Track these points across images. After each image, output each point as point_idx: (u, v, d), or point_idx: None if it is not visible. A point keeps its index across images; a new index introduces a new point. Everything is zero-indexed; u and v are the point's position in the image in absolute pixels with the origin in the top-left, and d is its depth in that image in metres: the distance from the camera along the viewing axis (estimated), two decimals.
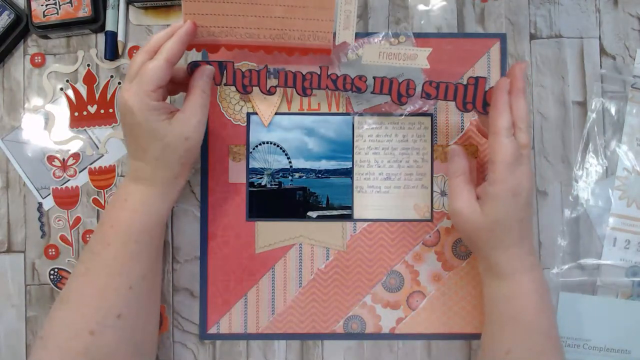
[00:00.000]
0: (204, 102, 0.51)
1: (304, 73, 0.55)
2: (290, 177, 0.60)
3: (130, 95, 0.48)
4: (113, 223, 0.50)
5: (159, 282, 0.55)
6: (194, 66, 0.53)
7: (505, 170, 0.48)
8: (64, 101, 0.60)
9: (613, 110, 0.60)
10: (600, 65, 0.60)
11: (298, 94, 0.56)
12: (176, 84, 0.54)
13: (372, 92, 0.55)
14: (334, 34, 0.56)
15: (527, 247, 0.51)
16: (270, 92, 0.56)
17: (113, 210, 0.51)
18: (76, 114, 0.60)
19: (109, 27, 0.59)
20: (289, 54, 0.55)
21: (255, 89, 0.57)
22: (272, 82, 0.57)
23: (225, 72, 0.55)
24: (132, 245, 0.49)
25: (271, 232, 0.59)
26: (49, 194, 0.59)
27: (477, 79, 0.52)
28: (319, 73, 0.55)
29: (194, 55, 0.59)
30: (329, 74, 0.55)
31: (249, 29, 0.53)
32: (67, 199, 0.59)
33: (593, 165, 0.59)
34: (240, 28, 0.53)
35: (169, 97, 0.57)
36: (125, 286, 0.49)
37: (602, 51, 0.60)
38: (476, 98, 0.52)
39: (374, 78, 0.54)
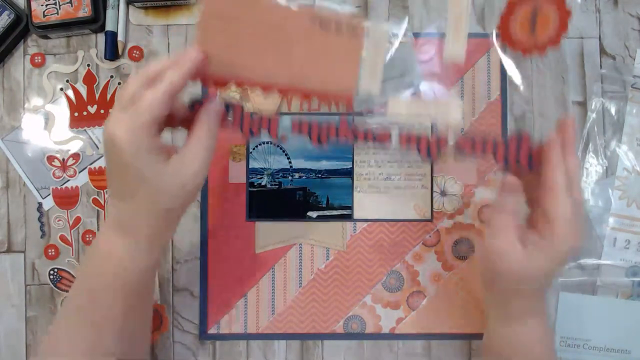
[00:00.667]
0: (209, 145, 0.44)
1: (320, 122, 0.50)
2: (290, 177, 0.60)
3: (120, 130, 0.40)
4: (95, 281, 0.45)
5: (149, 333, 0.52)
6: (194, 102, 0.46)
7: (565, 227, 0.45)
8: (64, 101, 0.60)
9: (613, 110, 0.60)
10: (600, 65, 0.60)
11: (312, 143, 0.50)
12: (174, 119, 0.46)
13: (399, 149, 0.49)
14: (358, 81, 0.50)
15: (545, 300, 0.49)
16: (281, 140, 0.52)
17: (94, 267, 0.45)
18: (76, 114, 0.60)
19: (109, 27, 0.59)
20: (306, 98, 0.48)
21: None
22: (284, 124, 0.49)
23: (231, 113, 0.48)
24: (121, 303, 0.44)
25: (271, 232, 0.59)
26: (49, 194, 0.59)
27: (519, 135, 0.48)
28: (336, 126, 0.50)
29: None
30: (350, 127, 0.50)
31: (266, 68, 0.47)
32: (67, 199, 0.59)
33: (593, 165, 0.59)
34: (255, 66, 0.47)
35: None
36: (114, 342, 0.45)
37: (602, 51, 0.60)
38: (520, 154, 0.48)
39: (400, 134, 0.49)
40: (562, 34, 0.48)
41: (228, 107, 0.47)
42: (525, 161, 0.47)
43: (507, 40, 0.49)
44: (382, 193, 0.59)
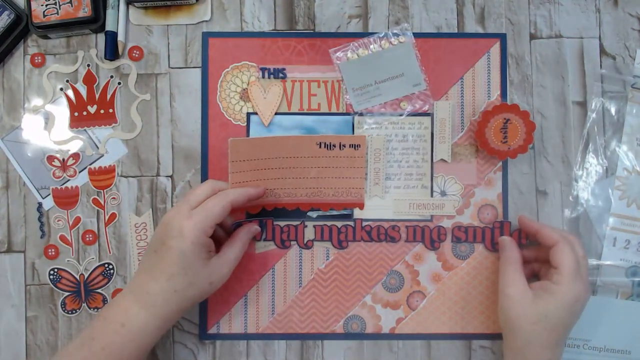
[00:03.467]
0: (238, 256, 0.53)
1: (339, 226, 0.59)
2: None
3: (190, 224, 0.48)
4: (105, 345, 0.48)
5: None
6: (237, 225, 0.57)
7: (571, 276, 0.51)
8: (64, 101, 0.60)
9: (613, 110, 0.60)
10: (600, 65, 0.60)
11: (334, 247, 0.59)
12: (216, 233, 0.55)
13: (406, 241, 0.59)
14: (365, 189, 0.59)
15: (558, 354, 0.52)
16: (307, 246, 0.59)
17: (107, 331, 0.49)
18: (76, 114, 0.60)
19: (109, 27, 0.59)
20: (324, 209, 0.59)
21: None
22: (308, 234, 0.59)
23: (265, 228, 0.59)
24: None
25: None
26: (49, 194, 0.59)
27: (501, 222, 0.58)
28: (353, 225, 0.59)
29: None
30: (363, 226, 0.59)
31: (287, 189, 0.58)
32: (66, 199, 0.59)
33: (593, 165, 0.59)
34: (279, 189, 0.57)
35: None
36: None
37: (602, 51, 0.60)
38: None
39: (407, 227, 0.59)
40: (528, 145, 0.57)
41: (262, 224, 0.58)
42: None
43: (484, 146, 0.57)
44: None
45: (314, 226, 0.59)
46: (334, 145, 0.57)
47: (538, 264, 0.57)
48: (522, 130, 0.56)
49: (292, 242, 0.59)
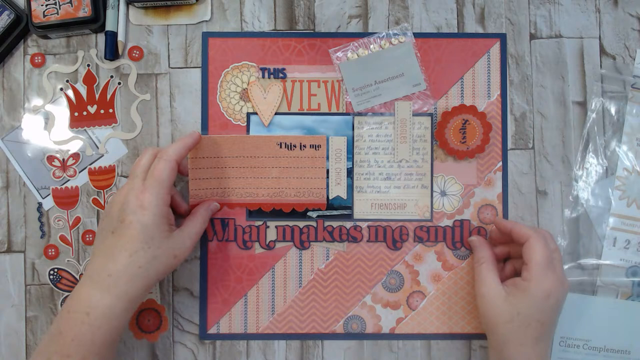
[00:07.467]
0: (200, 231, 0.54)
1: (301, 227, 0.59)
2: None
3: (148, 196, 0.49)
4: (73, 337, 0.47)
5: None
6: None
7: (540, 271, 0.51)
8: (64, 101, 0.60)
9: (613, 110, 0.60)
10: (600, 65, 0.60)
11: (297, 247, 0.59)
12: (180, 210, 0.57)
13: (368, 241, 0.59)
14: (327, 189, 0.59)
15: (540, 351, 0.51)
16: (269, 247, 0.59)
17: (73, 322, 0.48)
18: (76, 114, 0.60)
19: (109, 27, 0.59)
20: (286, 210, 0.58)
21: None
22: (270, 235, 0.59)
23: (227, 228, 0.59)
24: (94, 358, 0.48)
25: (271, 232, 0.59)
26: (49, 194, 0.59)
27: (462, 221, 0.59)
28: (315, 226, 0.59)
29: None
30: (325, 226, 0.59)
31: (248, 189, 0.58)
32: (66, 199, 0.59)
33: (593, 165, 0.59)
34: (240, 189, 0.58)
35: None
36: None
37: (602, 51, 0.60)
38: (463, 238, 0.59)
39: (369, 227, 0.59)
40: (485, 145, 0.58)
41: (225, 224, 0.58)
42: (466, 242, 0.59)
43: (444, 146, 0.58)
44: (382, 193, 0.59)
45: (276, 227, 0.59)
46: (294, 146, 0.57)
47: (518, 262, 0.56)
48: (479, 131, 0.57)
49: (254, 243, 0.59)
